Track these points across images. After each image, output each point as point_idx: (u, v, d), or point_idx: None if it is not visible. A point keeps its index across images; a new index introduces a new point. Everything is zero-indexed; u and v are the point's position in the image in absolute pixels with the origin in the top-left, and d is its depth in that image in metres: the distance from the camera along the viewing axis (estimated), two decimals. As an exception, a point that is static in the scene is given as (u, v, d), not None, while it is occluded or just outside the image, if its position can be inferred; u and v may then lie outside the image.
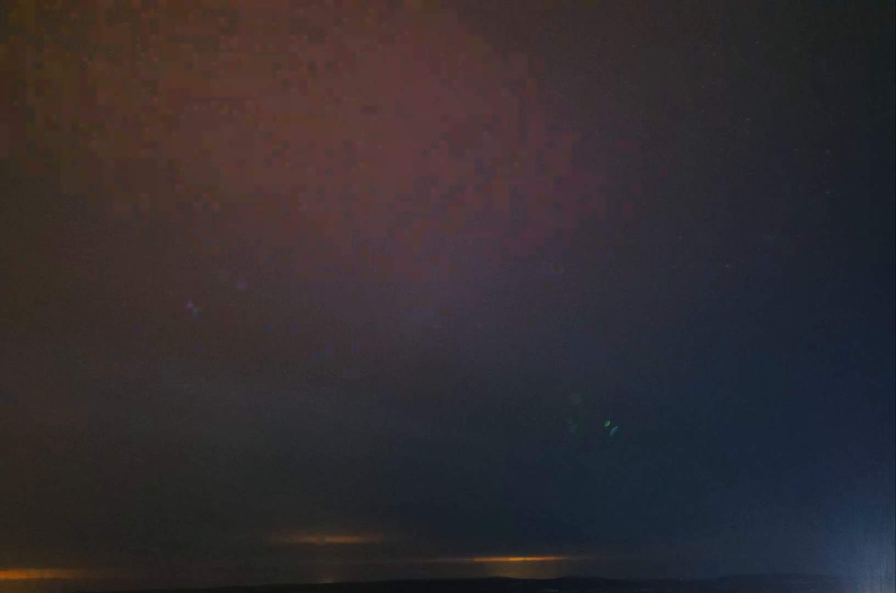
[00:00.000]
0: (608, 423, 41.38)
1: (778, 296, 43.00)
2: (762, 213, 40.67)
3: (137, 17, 31.97)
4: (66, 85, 32.47)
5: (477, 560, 48.31)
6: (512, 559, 48.38)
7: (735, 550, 44.56)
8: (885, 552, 33.55)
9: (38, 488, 38.54)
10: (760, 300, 43.27)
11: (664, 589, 44.85)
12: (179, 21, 32.17)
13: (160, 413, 41.41)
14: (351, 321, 42.24)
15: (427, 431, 45.37)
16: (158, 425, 41.32)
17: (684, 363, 44.82)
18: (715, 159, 39.21)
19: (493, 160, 38.86)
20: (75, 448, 40.11)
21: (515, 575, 47.65)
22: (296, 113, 36.06)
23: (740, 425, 45.26)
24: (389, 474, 45.26)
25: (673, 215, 40.83)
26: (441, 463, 45.88)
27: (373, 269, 40.89)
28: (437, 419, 45.16)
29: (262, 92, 34.87)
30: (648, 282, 42.23)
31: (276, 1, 32.65)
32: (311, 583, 44.61)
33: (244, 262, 39.75)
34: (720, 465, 44.43)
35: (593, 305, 43.48)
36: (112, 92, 33.06)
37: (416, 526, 46.84)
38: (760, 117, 37.36)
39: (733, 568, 45.25)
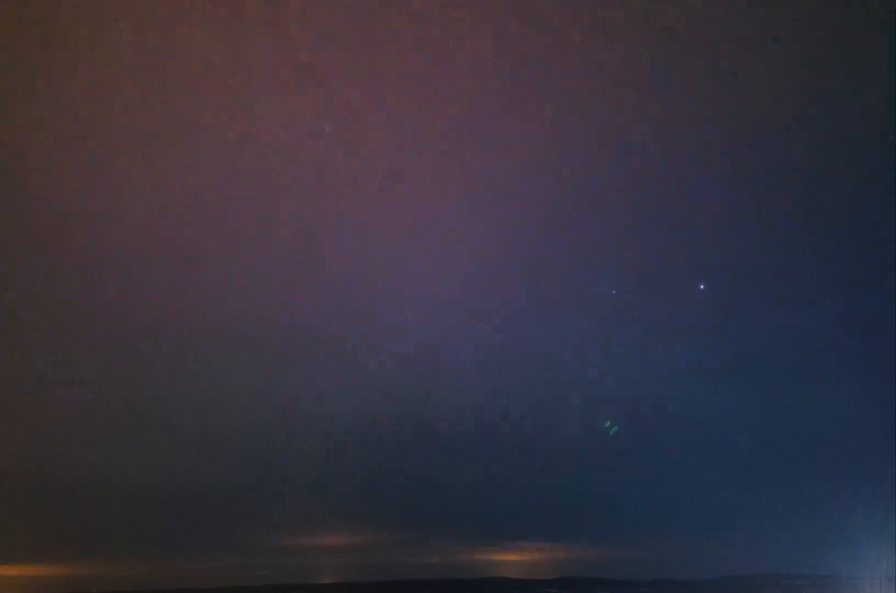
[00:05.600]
0: (608, 423, 41.41)
1: (781, 297, 43.05)
2: (766, 216, 40.74)
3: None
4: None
5: (477, 559, 48.24)
6: (512, 559, 48.30)
7: (735, 550, 44.49)
8: (885, 552, 33.49)
9: (38, 487, 38.62)
10: (764, 301, 43.31)
11: (664, 589, 44.75)
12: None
13: (160, 413, 41.49)
14: (350, 321, 42.26)
15: (427, 431, 45.40)
16: (159, 425, 41.40)
17: (685, 363, 44.87)
18: (717, 163, 39.26)
19: (494, 161, 38.90)
20: (75, 447, 40.18)
21: (515, 575, 47.54)
22: (295, 116, 36.10)
23: (741, 425, 45.24)
24: (389, 474, 45.31)
25: (676, 216, 40.87)
26: (441, 463, 45.91)
27: (372, 272, 40.95)
28: (436, 418, 45.19)
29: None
30: (651, 281, 42.28)
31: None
32: (311, 583, 44.56)
33: (244, 266, 39.81)
34: (720, 465, 44.40)
35: (595, 305, 43.54)
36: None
37: (415, 525, 46.86)
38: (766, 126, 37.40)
39: (733, 568, 45.12)
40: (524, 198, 39.60)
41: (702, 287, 41.20)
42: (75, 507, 39.87)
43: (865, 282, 40.92)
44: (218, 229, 38.28)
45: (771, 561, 44.31)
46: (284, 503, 44.48)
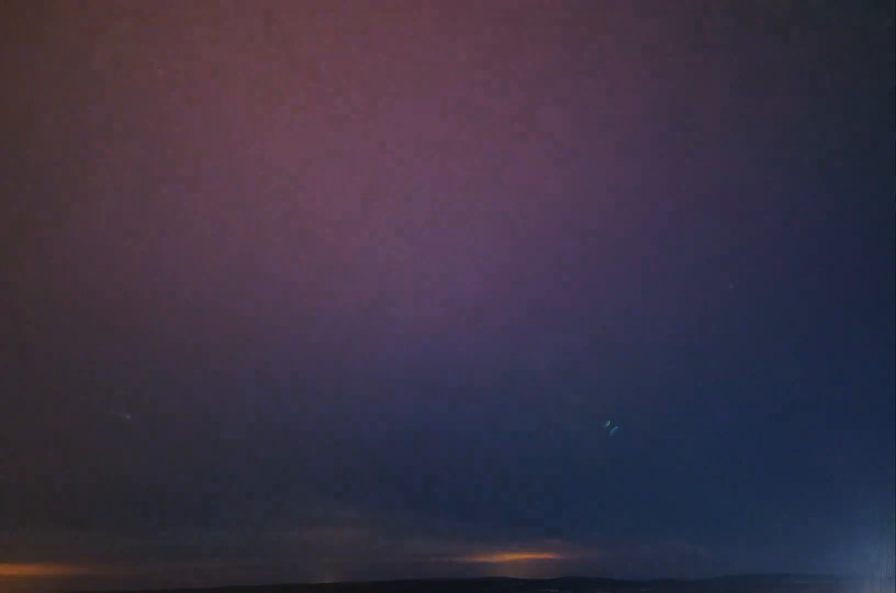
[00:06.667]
0: (608, 423, 41.40)
1: (784, 299, 43.02)
2: (765, 219, 40.74)
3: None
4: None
5: (477, 559, 48.24)
6: (512, 559, 48.31)
7: (735, 550, 44.52)
8: (885, 552, 33.52)
9: (36, 485, 38.60)
10: (766, 302, 43.30)
11: (664, 589, 44.78)
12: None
13: (162, 413, 41.49)
14: (350, 318, 42.24)
15: (427, 431, 45.41)
16: (157, 423, 41.39)
17: (685, 363, 44.86)
18: (718, 165, 39.25)
19: (495, 161, 38.88)
20: (73, 446, 40.17)
21: (515, 575, 47.56)
22: (293, 115, 36.10)
23: (741, 425, 45.27)
24: (390, 474, 45.32)
25: (677, 220, 40.86)
26: (441, 462, 45.91)
27: (373, 269, 40.96)
28: (437, 419, 45.20)
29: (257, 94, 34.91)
30: (652, 283, 42.27)
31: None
32: (310, 583, 44.54)
33: (244, 268, 39.79)
34: (720, 465, 44.42)
35: (596, 307, 43.53)
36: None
37: (416, 525, 46.87)
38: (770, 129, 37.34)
39: (733, 568, 45.16)
40: (537, 200, 39.57)
41: (731, 287, 41.23)
42: (75, 507, 39.89)
43: (876, 282, 40.89)
44: (220, 228, 38.28)
45: (771, 561, 44.39)
46: (284, 503, 44.53)
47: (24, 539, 37.98)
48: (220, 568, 43.38)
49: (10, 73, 32.67)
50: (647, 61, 35.30)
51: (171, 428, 41.69)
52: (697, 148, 38.26)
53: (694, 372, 45.06)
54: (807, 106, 37.03)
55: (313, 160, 37.11)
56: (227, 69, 34.10)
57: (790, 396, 44.65)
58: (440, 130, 36.92)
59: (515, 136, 37.75)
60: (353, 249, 40.04)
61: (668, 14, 34.34)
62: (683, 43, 34.71)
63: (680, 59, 35.25)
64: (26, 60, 32.54)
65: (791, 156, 38.83)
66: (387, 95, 35.65)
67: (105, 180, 35.71)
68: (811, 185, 39.64)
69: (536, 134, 37.67)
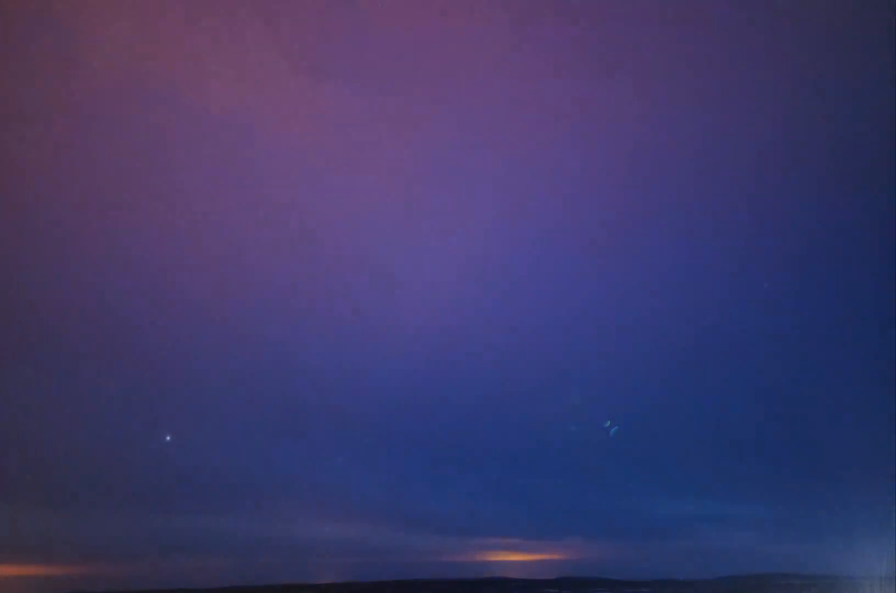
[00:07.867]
0: (608, 423, 41.42)
1: (786, 294, 43.04)
2: (765, 215, 40.74)
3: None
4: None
5: (477, 560, 48.30)
6: (512, 559, 48.37)
7: (735, 550, 44.59)
8: (885, 552, 33.51)
9: (35, 485, 38.66)
10: (768, 298, 43.32)
11: (664, 589, 44.80)
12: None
13: (159, 411, 41.52)
14: (351, 314, 42.29)
15: (427, 430, 45.44)
16: (156, 423, 41.44)
17: (686, 361, 44.91)
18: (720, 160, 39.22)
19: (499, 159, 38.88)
20: (72, 446, 40.20)
21: (515, 575, 47.60)
22: (295, 112, 36.10)
23: (741, 425, 45.30)
24: (390, 474, 45.37)
25: (681, 218, 40.89)
26: (441, 462, 45.95)
27: (373, 267, 40.97)
28: (437, 418, 45.24)
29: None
30: (653, 281, 42.30)
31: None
32: (311, 583, 44.53)
33: (242, 269, 39.76)
34: (720, 465, 44.47)
35: (597, 305, 43.56)
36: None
37: (416, 525, 46.92)
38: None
39: (733, 568, 45.21)
40: (554, 197, 39.50)
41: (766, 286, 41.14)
42: (75, 507, 39.90)
43: (871, 279, 40.83)
44: (225, 223, 38.30)
45: (771, 561, 44.45)
46: (285, 503, 44.56)
47: (25, 539, 38.03)
48: (221, 567, 43.45)
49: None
50: (655, 63, 35.33)
51: (173, 428, 41.77)
52: (732, 148, 38.18)
53: (694, 372, 45.14)
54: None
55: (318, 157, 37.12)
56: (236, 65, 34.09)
57: (792, 396, 44.74)
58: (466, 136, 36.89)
59: (528, 136, 37.74)
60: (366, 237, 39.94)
61: (669, 16, 34.32)
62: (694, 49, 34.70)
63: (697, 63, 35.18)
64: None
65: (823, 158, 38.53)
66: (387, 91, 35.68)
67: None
68: (835, 187, 39.53)
69: (550, 135, 37.68)
